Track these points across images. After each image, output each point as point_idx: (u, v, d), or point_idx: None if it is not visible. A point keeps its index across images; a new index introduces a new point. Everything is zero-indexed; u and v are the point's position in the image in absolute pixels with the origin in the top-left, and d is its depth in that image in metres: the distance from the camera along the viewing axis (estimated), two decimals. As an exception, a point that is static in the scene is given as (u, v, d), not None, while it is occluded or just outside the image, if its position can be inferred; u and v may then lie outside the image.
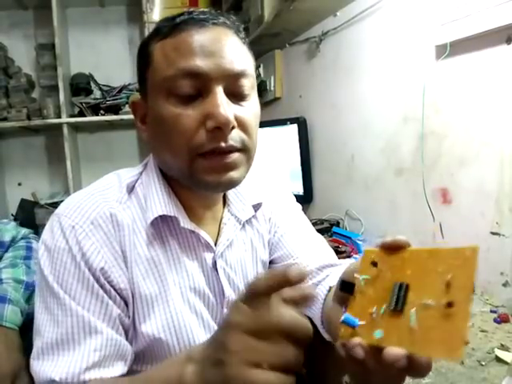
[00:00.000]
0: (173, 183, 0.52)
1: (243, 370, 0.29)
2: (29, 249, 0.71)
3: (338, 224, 1.24)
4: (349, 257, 1.03)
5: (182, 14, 0.47)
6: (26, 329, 0.58)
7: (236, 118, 0.46)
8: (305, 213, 0.69)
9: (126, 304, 0.47)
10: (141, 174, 0.53)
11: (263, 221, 0.61)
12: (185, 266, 0.51)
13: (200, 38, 0.45)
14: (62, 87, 1.57)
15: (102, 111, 1.65)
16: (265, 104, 1.66)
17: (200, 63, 0.44)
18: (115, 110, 1.66)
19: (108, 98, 1.66)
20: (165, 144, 0.48)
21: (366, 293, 0.32)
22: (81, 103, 1.64)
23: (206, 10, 0.48)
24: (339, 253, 1.02)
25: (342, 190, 1.26)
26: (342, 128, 1.24)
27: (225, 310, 0.53)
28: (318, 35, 1.29)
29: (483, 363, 0.55)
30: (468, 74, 0.79)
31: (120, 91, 1.68)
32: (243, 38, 0.50)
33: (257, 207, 0.58)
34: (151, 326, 0.47)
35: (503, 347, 0.58)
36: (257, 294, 0.31)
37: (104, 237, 0.46)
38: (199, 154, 0.45)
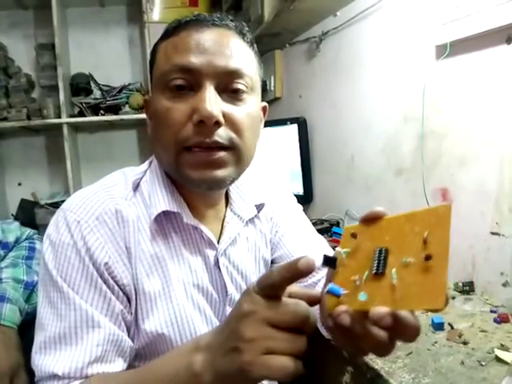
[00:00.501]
0: (176, 181, 0.52)
1: (259, 357, 0.30)
2: (31, 249, 0.71)
3: (337, 224, 1.24)
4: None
5: (189, 16, 0.49)
6: (26, 328, 0.58)
7: (225, 116, 0.46)
8: (305, 213, 0.69)
9: (129, 300, 0.47)
10: (145, 171, 0.54)
11: (265, 220, 0.61)
12: (188, 262, 0.51)
13: (197, 36, 0.46)
14: (62, 87, 1.56)
15: (101, 111, 1.65)
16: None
17: (193, 59, 0.45)
18: (115, 110, 1.66)
19: (108, 98, 1.65)
20: (157, 137, 0.49)
21: (349, 264, 0.33)
22: (81, 103, 1.63)
23: (213, 13, 0.50)
24: (339, 253, 1.02)
25: (342, 190, 1.26)
26: (342, 128, 1.24)
27: (227, 308, 0.53)
28: (318, 35, 1.29)
29: (483, 363, 0.55)
30: (468, 73, 0.79)
31: (120, 91, 1.68)
32: (248, 41, 0.50)
33: (259, 207, 0.59)
34: (154, 322, 0.48)
35: (503, 347, 0.58)
36: (272, 285, 0.32)
37: (109, 232, 0.46)
38: (185, 147, 0.46)
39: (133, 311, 0.48)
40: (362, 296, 0.30)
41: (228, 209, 0.57)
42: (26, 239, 0.74)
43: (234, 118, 0.47)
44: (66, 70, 1.67)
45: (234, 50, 0.47)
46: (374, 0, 1.02)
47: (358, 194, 1.18)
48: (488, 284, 0.77)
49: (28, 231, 0.76)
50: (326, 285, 0.34)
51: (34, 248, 0.72)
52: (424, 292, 0.27)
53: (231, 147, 0.47)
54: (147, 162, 0.56)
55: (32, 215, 1.65)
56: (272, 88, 1.62)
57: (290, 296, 0.34)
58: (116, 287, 0.46)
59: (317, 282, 0.58)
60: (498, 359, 0.55)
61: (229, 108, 0.47)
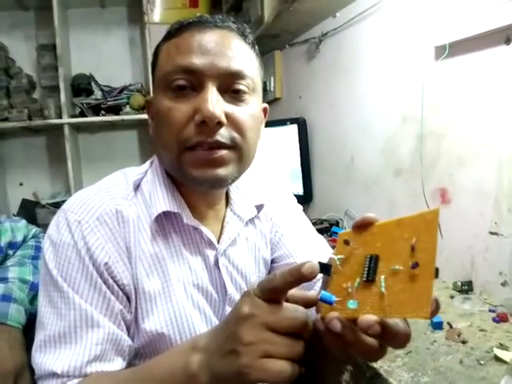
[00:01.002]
0: (176, 181, 0.52)
1: (257, 361, 0.31)
2: (37, 248, 0.71)
3: (337, 224, 1.25)
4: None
5: (191, 18, 0.49)
6: (29, 328, 0.58)
7: (228, 116, 0.46)
8: (305, 213, 0.70)
9: (129, 300, 0.48)
10: (146, 172, 0.54)
11: (265, 221, 0.62)
12: (188, 262, 0.51)
13: (200, 37, 0.47)
14: (63, 88, 1.57)
15: (102, 111, 1.65)
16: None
17: (196, 60, 0.46)
18: (116, 110, 1.66)
19: (109, 99, 1.66)
20: (159, 137, 0.49)
21: (343, 271, 0.33)
22: (82, 104, 1.64)
23: (215, 15, 0.50)
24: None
25: (341, 190, 1.27)
26: (341, 128, 1.24)
27: (227, 307, 0.54)
28: (317, 36, 1.30)
29: (482, 362, 0.55)
30: (467, 74, 0.79)
31: (121, 92, 1.68)
32: (250, 43, 0.50)
33: (259, 208, 0.59)
34: (154, 321, 0.48)
35: (502, 346, 0.59)
36: (273, 289, 0.32)
37: (109, 233, 0.46)
38: (187, 147, 0.46)
39: (132, 310, 0.48)
40: (351, 304, 0.30)
41: (228, 209, 0.57)
42: (32, 237, 0.74)
43: (236, 118, 0.47)
44: (67, 71, 1.67)
45: (236, 52, 0.47)
46: (374, 1, 1.03)
47: (358, 194, 1.18)
48: (487, 283, 0.77)
49: (34, 229, 0.76)
50: (320, 291, 0.34)
51: (41, 247, 0.72)
52: (410, 301, 0.27)
53: (233, 146, 0.47)
54: (148, 162, 0.56)
55: (33, 215, 1.65)
56: (272, 89, 1.62)
57: (287, 299, 0.34)
58: (115, 287, 0.46)
59: (316, 281, 0.58)
60: (497, 358, 0.55)
61: (231, 108, 0.47)
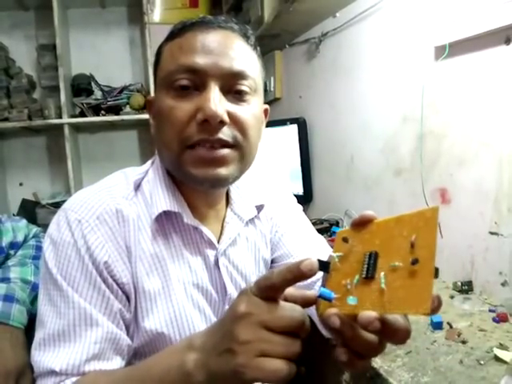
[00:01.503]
0: (177, 181, 0.52)
1: (253, 360, 0.30)
2: (38, 248, 0.71)
3: (337, 224, 1.25)
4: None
5: (194, 18, 0.49)
6: (30, 328, 0.58)
7: (230, 115, 0.47)
8: (304, 213, 0.70)
9: (128, 299, 0.48)
10: (147, 171, 0.54)
11: (265, 221, 0.62)
12: (188, 261, 0.51)
13: (203, 37, 0.47)
14: (63, 88, 1.57)
15: (102, 111, 1.65)
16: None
17: (199, 60, 0.46)
18: (116, 110, 1.66)
19: (109, 99, 1.66)
20: (161, 136, 0.49)
21: (341, 268, 0.33)
22: (82, 104, 1.64)
23: (217, 16, 0.50)
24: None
25: (341, 190, 1.27)
26: (341, 128, 1.24)
27: (226, 307, 0.54)
28: (317, 36, 1.30)
29: (482, 362, 0.55)
30: (467, 74, 0.79)
31: (121, 92, 1.68)
32: (252, 44, 0.51)
33: (260, 208, 0.59)
34: (154, 321, 0.48)
35: (502, 346, 0.59)
36: (271, 286, 0.32)
37: (109, 232, 0.47)
38: (188, 145, 0.46)
39: (132, 310, 0.48)
40: (351, 300, 0.30)
41: (228, 209, 0.57)
42: (33, 237, 0.74)
43: (238, 118, 0.47)
44: (67, 71, 1.67)
45: (239, 52, 0.48)
46: (374, 1, 1.03)
47: (358, 194, 1.18)
48: (487, 283, 0.77)
49: (35, 229, 0.76)
50: (319, 289, 0.34)
51: (41, 247, 0.72)
52: (410, 297, 0.27)
53: (235, 145, 0.47)
54: (149, 162, 0.56)
55: (33, 215, 1.65)
56: (272, 88, 1.62)
57: (285, 298, 0.34)
58: (115, 286, 0.46)
59: (316, 280, 0.58)
60: (497, 358, 0.55)
61: (233, 108, 0.47)
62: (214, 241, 0.53)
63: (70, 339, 0.43)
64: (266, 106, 0.57)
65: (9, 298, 0.59)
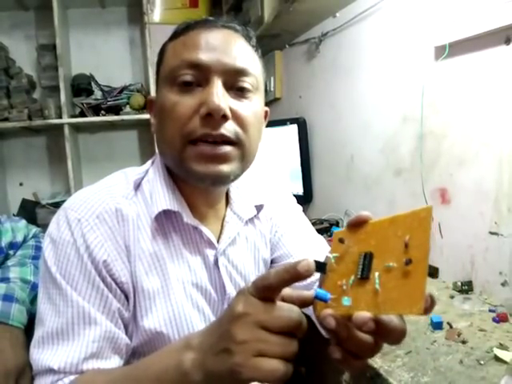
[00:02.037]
0: (177, 180, 0.52)
1: (250, 359, 0.31)
2: (38, 248, 0.71)
3: (337, 224, 1.25)
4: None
5: (198, 19, 0.50)
6: (30, 328, 0.58)
7: (232, 111, 0.47)
8: (304, 213, 0.70)
9: (127, 298, 0.48)
10: (147, 171, 0.54)
11: (265, 221, 0.62)
12: (187, 261, 0.51)
13: (206, 35, 0.48)
14: (63, 88, 1.57)
15: (102, 112, 1.65)
16: (265, 104, 1.67)
17: (202, 56, 0.46)
18: (116, 110, 1.66)
19: (109, 99, 1.66)
20: (162, 132, 0.49)
21: (337, 269, 0.34)
22: (82, 104, 1.64)
23: (221, 17, 0.51)
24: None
25: (341, 190, 1.27)
26: (341, 128, 1.24)
27: (226, 307, 0.54)
28: (317, 36, 1.30)
29: (482, 362, 0.55)
30: (467, 74, 0.79)
31: (121, 92, 1.68)
32: (254, 46, 0.51)
33: (259, 208, 0.59)
34: (153, 320, 0.48)
35: (502, 346, 0.59)
36: (268, 287, 0.32)
37: (108, 231, 0.47)
38: (190, 141, 0.46)
39: (131, 309, 0.48)
40: (346, 301, 0.31)
41: (228, 208, 0.57)
42: (32, 237, 0.74)
43: (241, 114, 0.48)
44: (67, 71, 1.67)
45: (241, 51, 0.48)
46: (374, 1, 1.03)
47: (358, 194, 1.18)
48: (487, 283, 0.77)
49: (34, 229, 0.76)
50: (316, 289, 0.34)
51: (41, 247, 0.72)
52: (403, 297, 0.27)
53: (236, 142, 0.48)
54: (149, 162, 0.56)
55: (33, 215, 1.65)
56: (272, 88, 1.62)
57: (282, 298, 0.34)
58: (114, 285, 0.46)
59: (315, 281, 0.58)
60: (497, 358, 0.55)
61: (235, 104, 0.48)
62: (214, 240, 0.53)
63: (68, 338, 0.43)
64: (267, 109, 0.58)
65: (8, 298, 0.59)
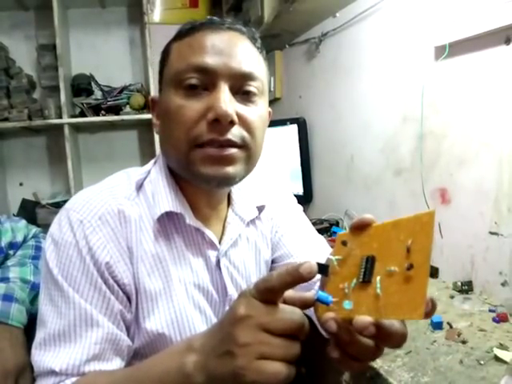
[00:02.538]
0: (180, 181, 0.52)
1: (253, 362, 0.31)
2: (38, 248, 0.71)
3: (337, 224, 1.25)
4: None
5: (203, 19, 0.50)
6: (30, 328, 0.58)
7: (239, 116, 0.47)
8: (304, 213, 0.70)
9: (129, 299, 0.48)
10: (149, 171, 0.54)
11: (266, 221, 0.62)
12: (189, 262, 0.51)
13: (213, 38, 0.47)
14: (63, 88, 1.57)
15: (102, 112, 1.65)
16: (265, 104, 1.67)
17: (209, 60, 0.46)
18: (116, 110, 1.66)
19: (109, 99, 1.66)
20: (167, 134, 0.49)
21: (340, 272, 0.34)
22: (82, 104, 1.64)
23: (225, 18, 0.51)
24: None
25: (341, 190, 1.27)
26: (341, 128, 1.24)
27: (227, 308, 0.54)
28: (317, 36, 1.30)
29: (482, 362, 0.55)
30: (467, 74, 0.79)
31: (121, 92, 1.68)
32: (259, 48, 0.51)
33: (261, 209, 0.59)
34: (155, 322, 0.48)
35: (502, 346, 0.59)
36: (271, 289, 0.32)
37: (111, 232, 0.47)
38: (197, 144, 0.46)
39: (133, 310, 0.48)
40: (347, 304, 0.31)
41: (229, 209, 0.57)
42: (32, 237, 0.74)
43: (247, 118, 0.48)
44: (67, 71, 1.67)
45: (247, 54, 0.48)
46: (374, 1, 1.03)
47: (358, 194, 1.18)
48: (487, 283, 0.77)
49: (34, 229, 0.76)
50: (317, 292, 0.34)
51: (41, 247, 0.72)
52: (404, 302, 0.27)
53: (242, 145, 0.48)
54: (152, 162, 0.56)
55: (33, 215, 1.65)
56: (272, 88, 1.63)
57: (284, 300, 0.34)
58: (116, 287, 0.46)
59: (316, 281, 0.58)
60: (497, 358, 0.55)
61: (242, 108, 0.48)
62: (216, 242, 0.53)
63: (70, 339, 0.43)
64: (270, 109, 0.58)
65: (8, 298, 0.59)
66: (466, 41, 0.76)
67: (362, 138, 1.14)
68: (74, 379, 0.42)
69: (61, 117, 1.59)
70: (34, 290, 0.64)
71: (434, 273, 0.88)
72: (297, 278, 0.31)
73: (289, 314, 0.32)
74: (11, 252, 0.69)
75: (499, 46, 0.72)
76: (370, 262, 0.31)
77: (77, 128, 1.77)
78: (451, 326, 0.66)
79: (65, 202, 0.50)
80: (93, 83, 1.72)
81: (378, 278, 0.30)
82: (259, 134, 0.50)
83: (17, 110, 1.57)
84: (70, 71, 1.73)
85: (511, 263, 0.72)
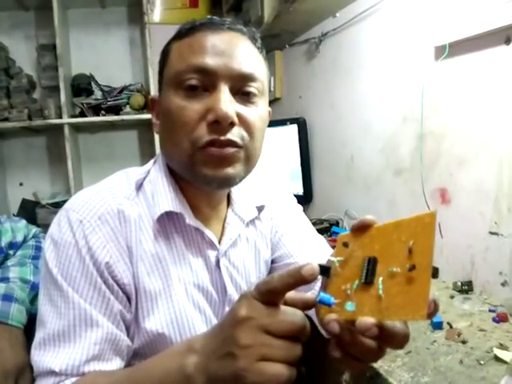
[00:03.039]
0: (180, 181, 0.52)
1: (254, 364, 0.31)
2: (38, 248, 0.71)
3: (337, 224, 1.25)
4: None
5: (203, 19, 0.49)
6: (30, 328, 0.58)
7: (239, 116, 0.47)
8: (304, 213, 0.70)
9: (129, 299, 0.48)
10: (149, 171, 0.54)
11: (266, 221, 0.62)
12: (189, 262, 0.51)
13: (213, 38, 0.47)
14: (63, 88, 1.57)
15: (102, 112, 1.65)
16: (265, 104, 1.67)
17: (209, 61, 0.46)
18: (116, 110, 1.66)
19: (109, 99, 1.66)
20: (169, 135, 0.49)
21: (341, 273, 0.33)
22: (82, 104, 1.64)
23: (226, 18, 0.50)
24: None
25: (341, 190, 1.27)
26: (341, 128, 1.24)
27: (226, 308, 0.54)
28: (317, 36, 1.30)
29: (482, 362, 0.55)
30: (467, 74, 0.79)
31: (121, 92, 1.68)
32: (259, 48, 0.51)
33: (260, 209, 0.59)
34: (155, 321, 0.48)
35: (502, 346, 0.59)
36: (272, 291, 0.32)
37: (110, 232, 0.46)
38: (199, 147, 0.46)
39: (133, 310, 0.48)
40: (349, 306, 0.30)
41: (229, 209, 0.57)
42: (32, 237, 0.74)
43: (247, 119, 0.48)
44: (67, 71, 1.67)
45: (248, 55, 0.48)
46: (374, 1, 1.03)
47: (358, 194, 1.18)
48: (487, 283, 0.77)
49: (34, 229, 0.76)
50: (319, 293, 0.34)
51: (41, 247, 0.72)
52: (407, 303, 0.27)
53: (242, 145, 0.48)
54: (151, 162, 0.56)
55: (33, 215, 1.65)
56: (272, 88, 1.63)
57: (284, 301, 0.34)
58: (115, 287, 0.46)
59: (316, 281, 0.58)
60: (497, 358, 0.56)
61: (242, 109, 0.48)
62: (215, 241, 0.53)
63: (69, 339, 0.43)
64: (270, 109, 0.58)
65: (8, 298, 0.59)
66: (466, 41, 0.76)
67: (362, 138, 1.14)
68: (73, 379, 0.42)
69: (61, 117, 1.59)
70: (34, 289, 0.64)
71: (434, 273, 0.88)
72: (299, 279, 0.31)
73: (290, 315, 0.32)
74: (11, 252, 0.69)
75: (499, 46, 0.72)
76: (371, 263, 0.31)
77: (77, 128, 1.77)
78: (451, 326, 0.66)
79: (65, 202, 0.50)
80: (93, 83, 1.72)
81: (380, 279, 0.30)
82: (259, 135, 0.50)
83: (17, 110, 1.57)
84: (70, 71, 1.73)
85: (511, 263, 0.72)
